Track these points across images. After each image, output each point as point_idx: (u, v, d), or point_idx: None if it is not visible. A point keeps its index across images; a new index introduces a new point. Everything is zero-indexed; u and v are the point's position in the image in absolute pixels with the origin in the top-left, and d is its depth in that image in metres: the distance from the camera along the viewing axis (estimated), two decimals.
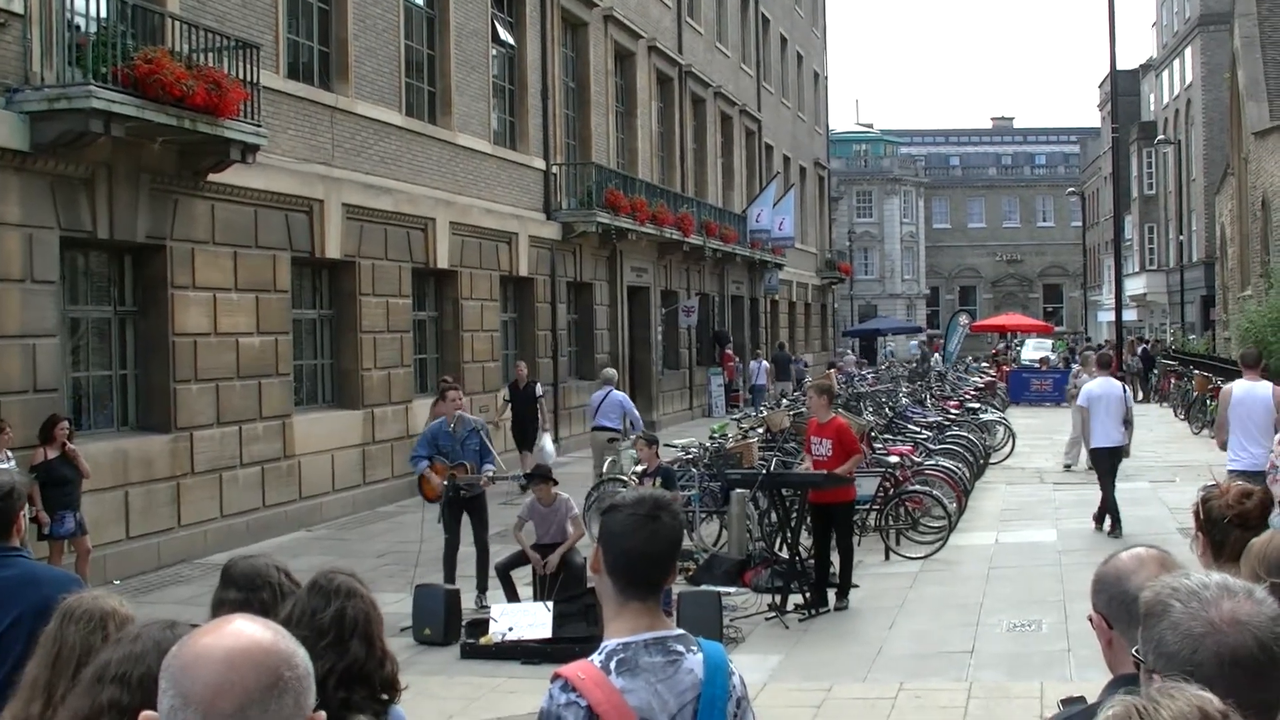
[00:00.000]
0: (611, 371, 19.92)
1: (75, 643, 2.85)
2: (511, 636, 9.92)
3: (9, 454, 11.06)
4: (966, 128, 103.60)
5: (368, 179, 18.41)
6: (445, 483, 11.54)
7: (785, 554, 11.66)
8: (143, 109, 12.67)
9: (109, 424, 14.09)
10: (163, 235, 14.18)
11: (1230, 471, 11.26)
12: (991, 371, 38.83)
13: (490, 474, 11.72)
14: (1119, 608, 2.53)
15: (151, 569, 13.68)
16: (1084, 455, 17.17)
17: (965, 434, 19.21)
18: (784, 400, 24.74)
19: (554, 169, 25.33)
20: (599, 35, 28.27)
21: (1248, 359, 12.29)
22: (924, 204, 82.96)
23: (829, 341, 55.61)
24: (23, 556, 4.36)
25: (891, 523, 13.94)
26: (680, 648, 2.76)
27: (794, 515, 11.81)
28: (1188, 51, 53.48)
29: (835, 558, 11.37)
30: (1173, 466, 19.82)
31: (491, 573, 11.37)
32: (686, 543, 13.16)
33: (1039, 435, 25.28)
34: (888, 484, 14.12)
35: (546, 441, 19.08)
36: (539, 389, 20.17)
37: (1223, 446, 11.66)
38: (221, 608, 3.31)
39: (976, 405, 24.70)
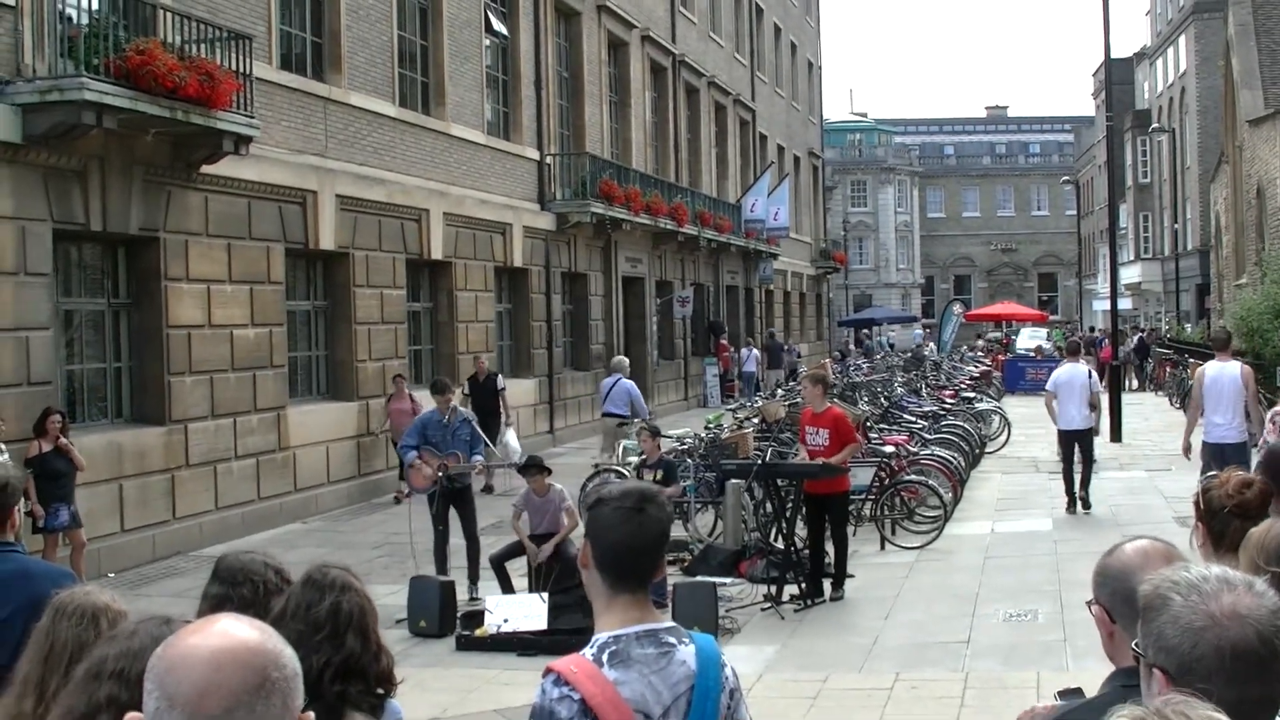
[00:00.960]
0: (623, 360, 19.68)
1: (67, 639, 2.83)
2: (507, 628, 9.91)
3: (3, 447, 11.03)
4: (961, 117, 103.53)
5: (361, 170, 18.36)
6: (439, 473, 11.51)
7: (781, 544, 11.65)
8: (135, 101, 12.63)
9: (103, 416, 14.07)
10: (156, 227, 14.15)
11: (1205, 443, 12.38)
12: (987, 361, 38.86)
13: (481, 462, 11.69)
14: (1122, 603, 2.49)
15: (146, 561, 13.66)
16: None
17: (961, 423, 19.21)
18: (779, 390, 24.71)
19: (548, 159, 25.28)
20: (592, 25, 28.21)
21: (1218, 340, 13.54)
22: (918, 193, 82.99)
23: (824, 331, 55.59)
24: (17, 551, 4.33)
25: (887, 512, 13.93)
26: (672, 639, 2.75)
27: (789, 505, 11.80)
28: (1182, 39, 53.48)
29: (830, 548, 11.39)
30: (1168, 455, 19.80)
31: (484, 564, 11.35)
32: (681, 533, 13.17)
33: (1034, 424, 25.20)
34: (883, 474, 14.13)
35: (510, 436, 18.41)
36: (500, 382, 19.72)
37: (1192, 423, 12.80)
38: (204, 600, 3.31)
39: (972, 395, 24.70)
